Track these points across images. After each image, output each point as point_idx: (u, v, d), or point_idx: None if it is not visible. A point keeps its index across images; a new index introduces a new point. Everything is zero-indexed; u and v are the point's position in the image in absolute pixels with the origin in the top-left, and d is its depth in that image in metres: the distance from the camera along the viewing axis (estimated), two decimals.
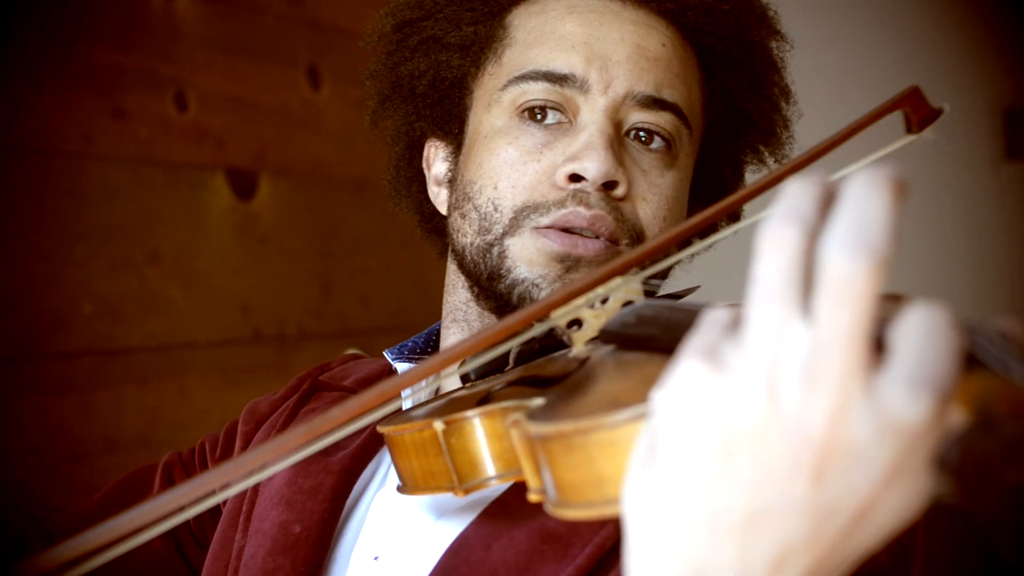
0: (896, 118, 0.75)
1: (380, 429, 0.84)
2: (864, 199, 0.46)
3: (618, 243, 0.93)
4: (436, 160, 1.08)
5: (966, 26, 2.55)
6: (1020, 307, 2.55)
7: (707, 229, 1.02)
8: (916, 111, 0.72)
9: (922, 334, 0.44)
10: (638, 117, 0.95)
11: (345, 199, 2.27)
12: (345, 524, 0.97)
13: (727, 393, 0.46)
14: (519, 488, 0.84)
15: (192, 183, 2.00)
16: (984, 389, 0.44)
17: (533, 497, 0.63)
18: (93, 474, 1.77)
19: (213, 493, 0.62)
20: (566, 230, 0.92)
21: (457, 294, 1.03)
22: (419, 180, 1.11)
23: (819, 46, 2.76)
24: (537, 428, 0.59)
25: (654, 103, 0.95)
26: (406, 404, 1.02)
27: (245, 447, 1.09)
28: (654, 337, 0.65)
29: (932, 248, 2.58)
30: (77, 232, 1.79)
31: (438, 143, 1.08)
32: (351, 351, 1.36)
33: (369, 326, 2.22)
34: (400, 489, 0.83)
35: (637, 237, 0.93)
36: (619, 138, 0.94)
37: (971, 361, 0.45)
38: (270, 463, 0.62)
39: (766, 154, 1.11)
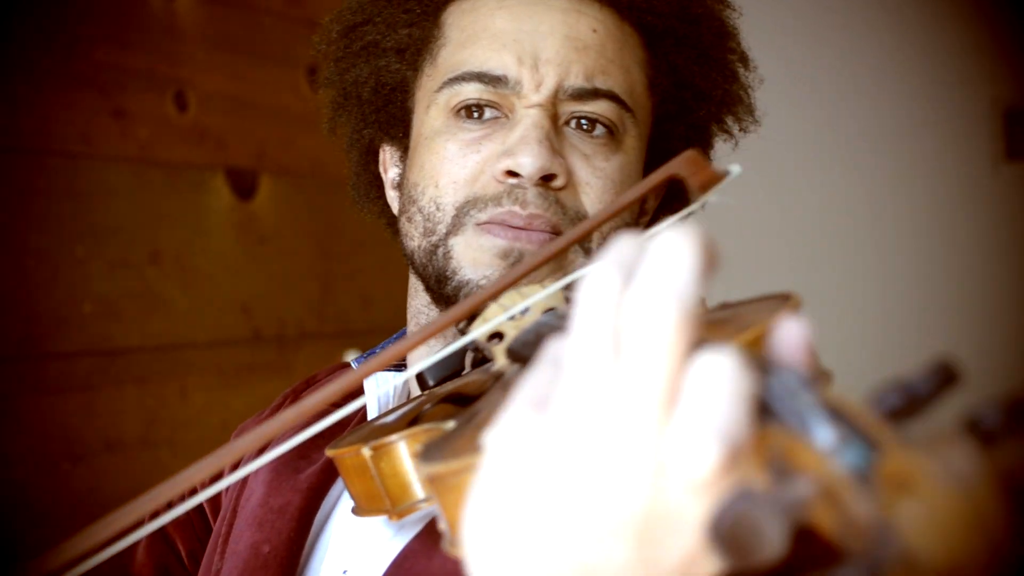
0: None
1: (327, 452, 0.83)
2: (667, 254, 0.43)
3: (561, 233, 0.92)
4: (390, 165, 1.08)
5: (966, 26, 2.55)
6: (1020, 307, 2.55)
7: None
8: (693, 175, 0.70)
9: (710, 382, 0.42)
10: (574, 108, 0.94)
11: (345, 199, 2.26)
12: (317, 540, 0.97)
13: (551, 445, 0.44)
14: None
15: (192, 183, 2.00)
16: (774, 443, 0.41)
17: (440, 526, 0.60)
18: (93, 474, 1.77)
19: (186, 497, 0.62)
20: (506, 225, 0.92)
21: (419, 297, 1.03)
22: (378, 185, 1.11)
23: (820, 46, 2.76)
24: (421, 468, 0.58)
25: (587, 93, 0.94)
26: (371, 412, 1.02)
27: (234, 468, 1.08)
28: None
29: (932, 248, 2.58)
30: (77, 232, 1.79)
31: (390, 148, 1.08)
32: (350, 353, 1.36)
33: (369, 326, 2.22)
34: (353, 510, 0.83)
35: None
36: (556, 129, 0.94)
37: (765, 411, 0.42)
38: (226, 468, 0.62)
39: (730, 124, 1.08)
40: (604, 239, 0.94)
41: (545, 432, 0.45)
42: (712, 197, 0.69)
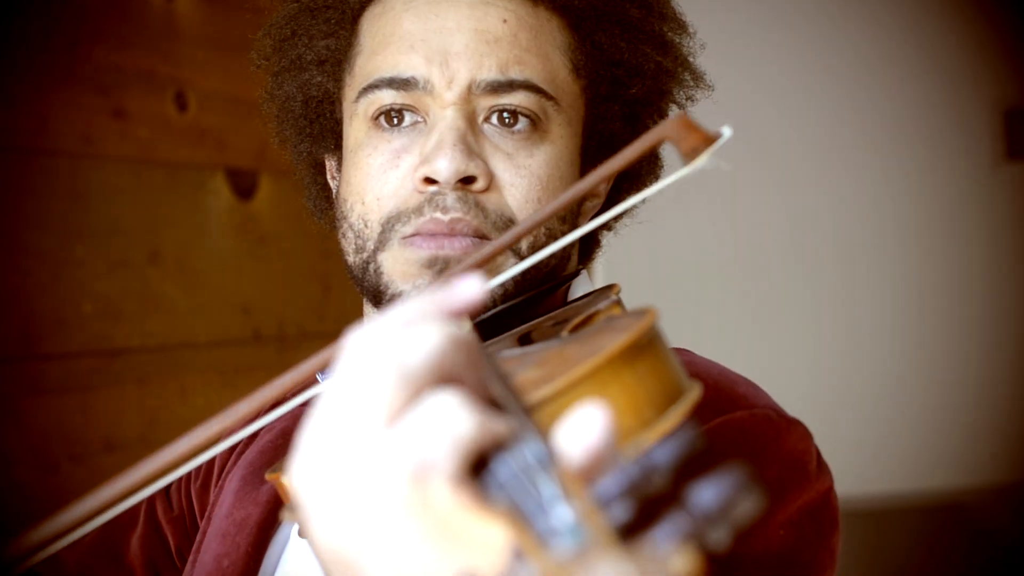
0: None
1: (268, 476, 0.84)
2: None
3: (487, 237, 0.91)
4: (333, 175, 1.07)
5: (966, 26, 2.55)
6: (1020, 306, 2.55)
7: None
8: (683, 139, 0.68)
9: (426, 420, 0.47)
10: (490, 102, 0.92)
11: None
12: (281, 554, 0.97)
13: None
14: None
15: (192, 183, 2.00)
16: (510, 527, 0.40)
17: None
18: (93, 474, 1.77)
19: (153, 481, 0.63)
20: (430, 234, 0.91)
21: (368, 306, 1.03)
22: (328, 195, 1.10)
23: (820, 46, 2.76)
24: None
25: (502, 85, 0.92)
26: None
27: (221, 471, 1.08)
28: None
29: (932, 247, 2.58)
30: (77, 232, 1.79)
31: (330, 159, 1.07)
32: None
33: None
34: (299, 532, 0.82)
35: (508, 226, 0.91)
36: (474, 129, 0.92)
37: (500, 491, 0.42)
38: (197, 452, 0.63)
39: (677, 94, 1.05)
40: (535, 241, 0.93)
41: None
42: (703, 161, 0.67)
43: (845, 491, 1.00)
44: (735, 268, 2.76)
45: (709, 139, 0.68)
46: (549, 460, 0.42)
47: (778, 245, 2.77)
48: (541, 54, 0.95)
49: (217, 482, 1.08)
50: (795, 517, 0.81)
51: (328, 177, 1.09)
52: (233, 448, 1.09)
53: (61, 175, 1.78)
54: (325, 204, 1.11)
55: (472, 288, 0.53)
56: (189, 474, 1.13)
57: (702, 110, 1.09)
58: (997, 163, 2.54)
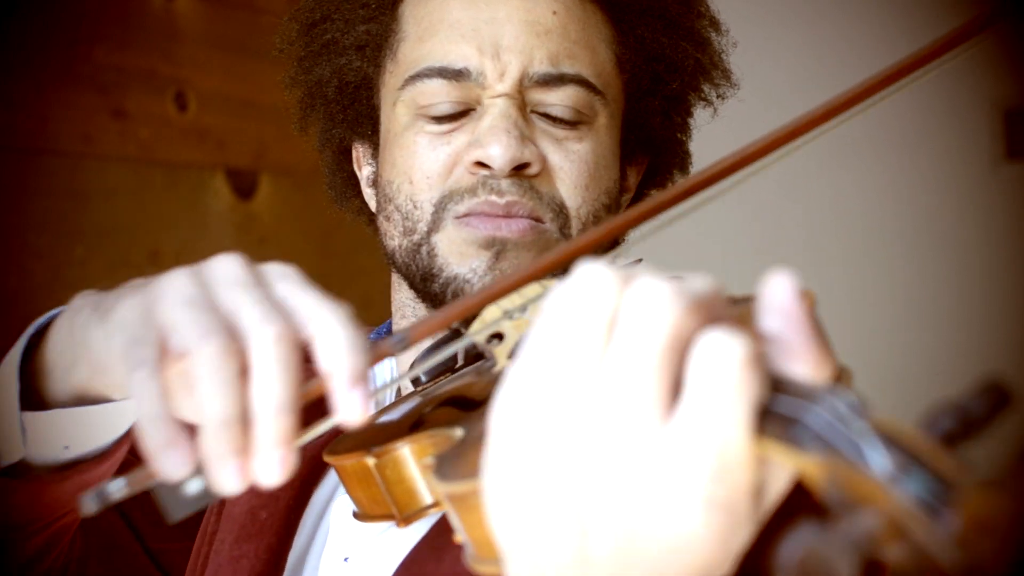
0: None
1: (325, 458, 0.83)
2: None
3: (541, 220, 0.91)
4: (363, 162, 1.06)
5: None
6: (1021, 306, 2.55)
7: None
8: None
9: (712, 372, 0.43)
10: (540, 97, 0.92)
11: None
12: (319, 522, 0.96)
13: (574, 461, 0.45)
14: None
15: (192, 183, 2.00)
16: (829, 474, 0.40)
17: (456, 539, 0.60)
18: None
19: None
20: (485, 215, 0.90)
21: (403, 291, 1.01)
22: (354, 184, 1.09)
23: (820, 45, 2.76)
24: (439, 486, 0.58)
25: (554, 79, 0.92)
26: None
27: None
28: None
29: (932, 248, 2.58)
30: (77, 232, 1.79)
31: (361, 145, 1.05)
32: None
33: (370, 326, 2.22)
34: (355, 515, 0.82)
35: (560, 210, 0.91)
36: (524, 116, 0.91)
37: (816, 440, 0.41)
38: None
39: (708, 91, 1.06)
40: (584, 228, 0.93)
41: (540, 382, 0.46)
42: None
43: None
44: (735, 268, 2.77)
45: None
46: (855, 405, 0.41)
47: (777, 245, 2.77)
48: (589, 47, 0.95)
49: None
50: None
51: (354, 165, 1.08)
52: None
53: (61, 175, 1.78)
54: (350, 192, 1.10)
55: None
56: None
57: (702, 112, 1.09)
58: (997, 163, 2.54)
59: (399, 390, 1.04)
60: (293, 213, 2.18)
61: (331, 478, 0.98)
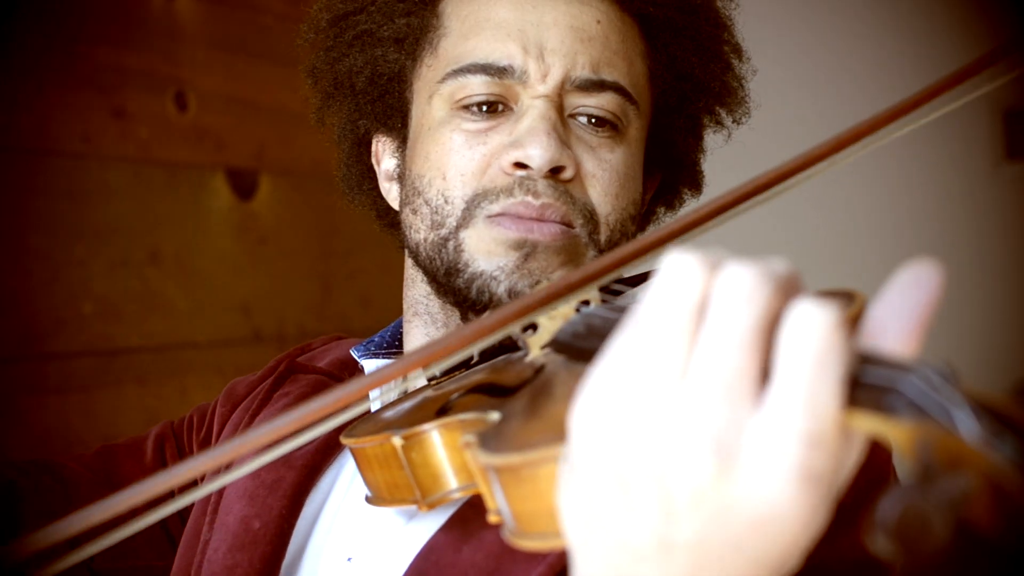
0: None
1: (343, 440, 0.82)
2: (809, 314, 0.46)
3: (572, 226, 0.92)
4: (384, 156, 1.06)
5: (966, 26, 2.55)
6: (1021, 307, 2.55)
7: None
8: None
9: (809, 364, 0.44)
10: (579, 101, 0.94)
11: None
12: (314, 522, 0.96)
13: (665, 444, 0.46)
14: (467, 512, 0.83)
15: (192, 183, 2.00)
16: (922, 439, 0.42)
17: (492, 519, 0.61)
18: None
19: (175, 493, 0.62)
20: (518, 216, 0.91)
21: (416, 288, 1.01)
22: (370, 176, 1.09)
23: (820, 45, 2.76)
24: (486, 458, 0.58)
25: (593, 85, 0.94)
26: (375, 405, 1.01)
27: (222, 428, 1.07)
28: (602, 351, 0.61)
29: (932, 248, 2.58)
30: (77, 232, 1.79)
31: (385, 138, 1.06)
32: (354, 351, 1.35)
33: (369, 326, 2.21)
34: (368, 500, 0.82)
35: (590, 216, 0.93)
36: (562, 120, 0.93)
37: (909, 407, 0.43)
38: (229, 464, 0.61)
39: (723, 115, 1.08)
40: (612, 235, 0.94)
41: (633, 368, 0.47)
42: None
43: None
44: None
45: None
46: (945, 373, 0.43)
47: (776, 245, 2.78)
48: (628, 58, 0.97)
49: (217, 438, 1.07)
50: None
51: (372, 159, 1.08)
52: (233, 408, 1.09)
53: (61, 175, 1.78)
54: (366, 185, 1.10)
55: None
56: (192, 423, 1.13)
57: (713, 135, 1.11)
58: (997, 163, 2.54)
59: (406, 388, 1.04)
60: (293, 213, 2.18)
61: (325, 481, 0.98)
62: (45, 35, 1.75)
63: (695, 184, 1.09)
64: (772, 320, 0.46)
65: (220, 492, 0.98)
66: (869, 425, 0.45)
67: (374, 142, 1.08)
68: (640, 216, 1.01)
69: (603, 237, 0.94)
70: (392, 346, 1.07)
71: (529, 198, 0.90)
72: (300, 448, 0.98)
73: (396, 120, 1.03)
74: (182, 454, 1.10)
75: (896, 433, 0.43)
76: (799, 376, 0.44)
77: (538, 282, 0.89)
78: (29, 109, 1.73)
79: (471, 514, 0.84)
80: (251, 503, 0.95)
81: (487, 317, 0.60)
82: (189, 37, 2.00)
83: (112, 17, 1.87)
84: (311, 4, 1.09)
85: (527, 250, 0.90)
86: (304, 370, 1.10)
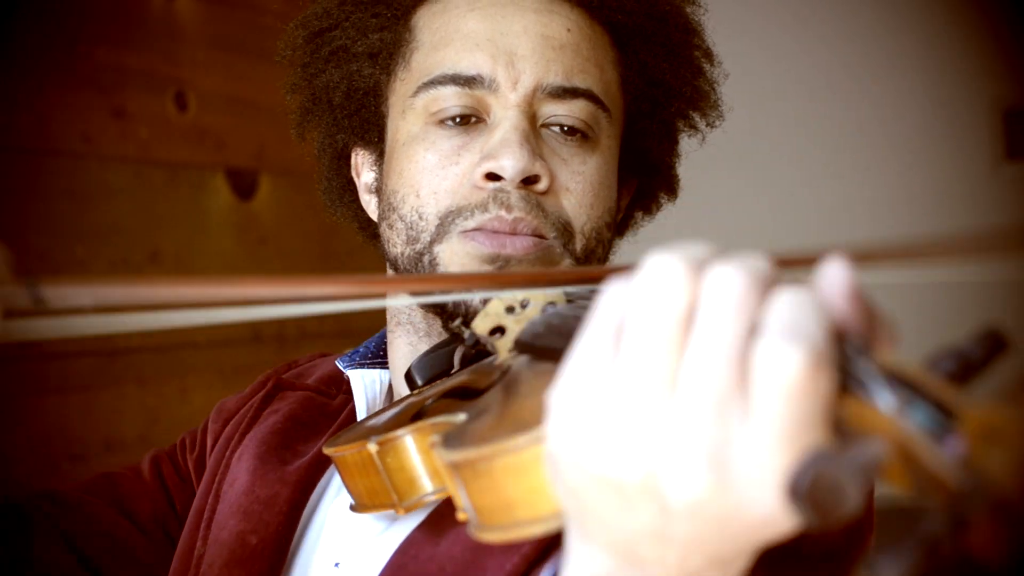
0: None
1: (325, 450, 0.84)
2: (793, 302, 0.46)
3: (545, 237, 0.92)
4: (364, 169, 1.07)
5: (966, 26, 2.55)
6: (1020, 307, 2.55)
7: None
8: None
9: (792, 306, 0.45)
10: (551, 109, 0.93)
11: None
12: (304, 532, 0.97)
13: (659, 459, 0.47)
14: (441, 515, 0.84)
15: (192, 183, 2.00)
16: (838, 407, 0.43)
17: (460, 516, 0.62)
18: (93, 474, 1.77)
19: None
20: (493, 231, 0.91)
21: (399, 298, 1.02)
22: (351, 189, 1.10)
23: (820, 46, 2.76)
24: (447, 455, 0.59)
25: (565, 92, 0.93)
26: (360, 410, 1.02)
27: (214, 444, 1.08)
28: (561, 349, 0.59)
29: None
30: (77, 232, 1.79)
31: (363, 151, 1.06)
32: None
33: (369, 326, 2.22)
34: (352, 508, 0.83)
35: (564, 228, 0.93)
36: (535, 131, 0.93)
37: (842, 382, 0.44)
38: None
39: (696, 119, 1.08)
40: (587, 244, 0.95)
41: (620, 378, 0.47)
42: None
43: None
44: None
45: None
46: (863, 346, 0.44)
47: (776, 246, 2.78)
48: (599, 65, 0.97)
49: (210, 455, 1.07)
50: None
51: (352, 172, 1.09)
52: (225, 424, 1.09)
53: (61, 175, 1.78)
54: (347, 197, 1.11)
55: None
56: (185, 444, 1.13)
57: (687, 139, 1.11)
58: (997, 163, 2.54)
59: (391, 395, 1.05)
60: (293, 213, 2.18)
61: (315, 495, 0.99)
62: (45, 35, 1.75)
63: (671, 189, 1.10)
64: (755, 325, 0.46)
65: (214, 507, 0.99)
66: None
67: (353, 155, 1.08)
68: (616, 223, 1.02)
69: (579, 247, 0.94)
70: (376, 356, 1.08)
71: (502, 212, 0.90)
72: (294, 462, 0.99)
73: (373, 134, 1.04)
74: (179, 473, 1.11)
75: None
76: (779, 398, 0.44)
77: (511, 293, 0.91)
78: (29, 109, 1.73)
79: (447, 511, 0.85)
80: (246, 519, 0.95)
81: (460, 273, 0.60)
82: (189, 37, 2.00)
83: (112, 17, 1.87)
84: (308, 6, 1.09)
85: (500, 264, 0.91)
86: (292, 387, 1.11)
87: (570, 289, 0.79)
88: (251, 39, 2.10)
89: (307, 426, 1.05)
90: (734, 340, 0.45)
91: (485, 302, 0.89)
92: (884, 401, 0.42)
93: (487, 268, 0.91)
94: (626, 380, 0.47)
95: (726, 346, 0.45)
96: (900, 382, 0.43)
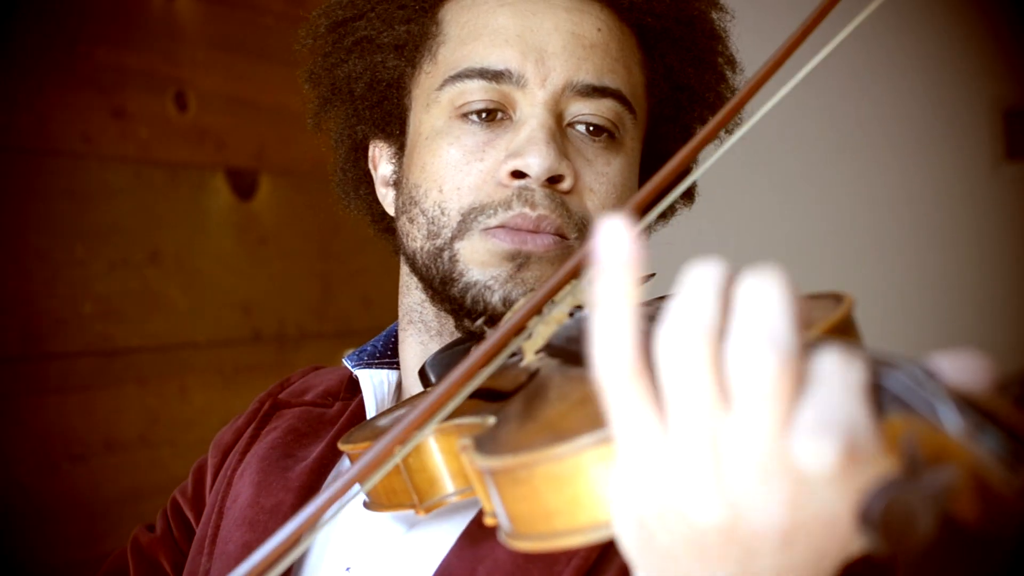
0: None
1: (341, 446, 0.83)
2: (760, 299, 0.46)
3: (566, 237, 0.92)
4: (381, 161, 1.06)
5: (966, 26, 2.55)
6: (1020, 307, 2.55)
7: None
8: None
9: (829, 379, 0.45)
10: (579, 108, 0.93)
11: None
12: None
13: (676, 493, 0.47)
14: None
15: (192, 183, 2.00)
16: (907, 433, 0.43)
17: (489, 521, 0.62)
18: (93, 474, 1.77)
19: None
20: (513, 228, 0.91)
21: (411, 295, 1.01)
22: (367, 181, 1.09)
23: (820, 45, 2.76)
24: (482, 461, 0.58)
25: (594, 91, 0.93)
26: (370, 410, 1.02)
27: (215, 478, 1.07)
28: None
29: (932, 248, 2.58)
30: (77, 232, 1.79)
31: (382, 144, 1.06)
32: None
33: (369, 326, 2.22)
34: (366, 505, 0.82)
35: (586, 228, 0.93)
36: (561, 130, 0.93)
37: (894, 402, 0.44)
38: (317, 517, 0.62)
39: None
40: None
41: (675, 489, 0.48)
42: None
43: None
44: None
45: None
46: (930, 370, 0.44)
47: (775, 245, 2.77)
48: (627, 66, 0.97)
49: (210, 490, 1.07)
50: None
51: (369, 164, 1.08)
52: (223, 456, 1.09)
53: (61, 175, 1.78)
54: (362, 190, 1.10)
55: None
56: (190, 482, 1.13)
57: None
58: (997, 163, 2.54)
59: (399, 395, 1.04)
60: (293, 213, 2.18)
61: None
62: (45, 35, 1.75)
63: (688, 194, 1.09)
64: (800, 359, 0.45)
65: (218, 524, 0.99)
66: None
67: (371, 147, 1.08)
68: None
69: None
70: (385, 355, 1.07)
71: (526, 209, 0.90)
72: (296, 468, 0.98)
73: (394, 127, 1.03)
74: (180, 515, 1.10)
75: (883, 428, 0.44)
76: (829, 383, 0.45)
77: (532, 291, 0.89)
78: (29, 109, 1.73)
79: (481, 534, 0.84)
80: (252, 529, 0.95)
81: (488, 341, 0.61)
82: (189, 37, 2.00)
83: (112, 17, 1.87)
84: (311, 5, 1.09)
85: (520, 261, 0.91)
86: (288, 405, 1.11)
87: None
88: (251, 39, 2.10)
89: (307, 435, 1.04)
90: (781, 372, 0.45)
91: (506, 302, 0.88)
92: (954, 425, 0.42)
93: (507, 265, 0.90)
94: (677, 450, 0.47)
95: (773, 382, 0.45)
96: (971, 406, 0.42)
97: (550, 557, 0.80)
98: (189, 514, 1.09)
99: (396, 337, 1.07)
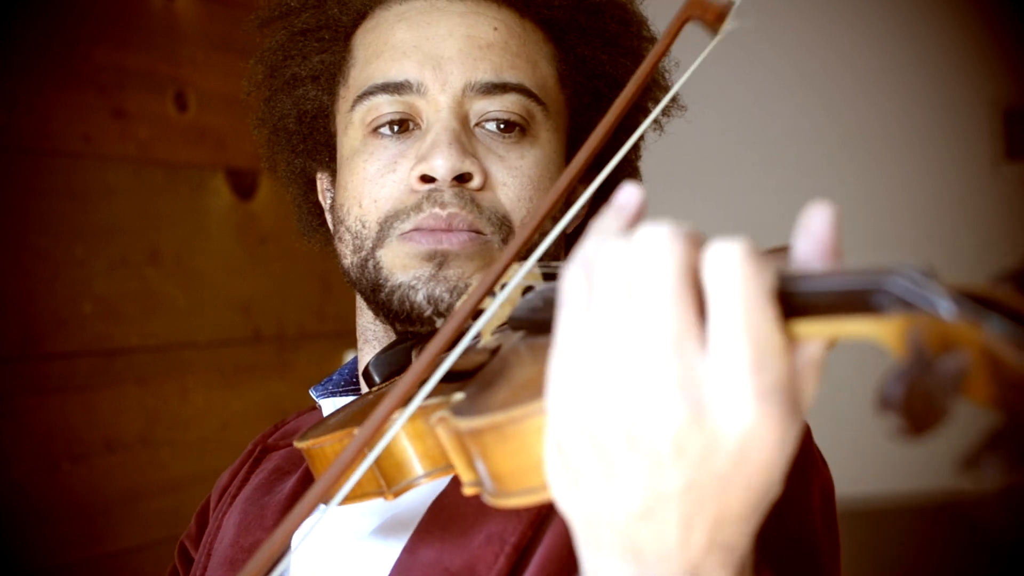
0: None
1: (297, 444, 0.84)
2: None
3: (482, 233, 0.94)
4: (325, 192, 1.10)
5: (966, 26, 2.55)
6: None
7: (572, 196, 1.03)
8: (704, 14, 0.75)
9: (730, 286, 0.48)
10: (483, 106, 0.95)
11: None
12: (288, 562, 0.97)
13: (635, 405, 0.49)
14: (438, 514, 0.86)
15: (192, 183, 2.00)
16: (912, 328, 0.45)
17: (468, 491, 0.63)
18: (93, 474, 1.77)
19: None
20: (428, 229, 0.93)
21: (364, 315, 1.04)
22: (319, 212, 1.13)
23: (820, 46, 2.76)
24: (467, 423, 0.60)
25: (495, 88, 0.95)
26: (326, 411, 1.03)
27: (220, 521, 1.08)
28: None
29: (932, 247, 2.58)
30: (77, 232, 1.79)
31: (323, 175, 1.09)
32: (348, 354, 1.36)
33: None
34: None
35: (502, 223, 0.94)
36: (468, 131, 0.95)
37: (896, 303, 0.46)
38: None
39: (649, 109, 1.08)
40: (532, 239, 0.96)
41: (591, 334, 0.51)
42: (729, 26, 0.73)
43: (844, 491, 1.00)
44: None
45: (725, 7, 0.73)
46: (924, 271, 0.46)
47: (774, 244, 2.78)
48: (531, 61, 0.99)
49: (216, 528, 1.08)
50: (817, 501, 0.85)
51: (319, 195, 1.11)
52: (220, 496, 1.10)
53: (61, 175, 1.78)
54: (316, 222, 1.14)
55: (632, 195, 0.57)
56: (194, 525, 1.14)
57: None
58: (997, 163, 2.54)
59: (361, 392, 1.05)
60: (293, 213, 2.18)
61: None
62: (45, 35, 1.75)
63: (631, 179, 1.10)
64: (693, 268, 0.49)
65: (205, 565, 1.01)
66: (817, 330, 0.49)
67: (317, 179, 1.11)
68: (562, 216, 1.02)
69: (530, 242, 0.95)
70: (349, 384, 1.09)
71: (436, 209, 0.92)
72: (270, 507, 1.00)
73: (324, 155, 1.07)
74: (185, 556, 1.12)
75: (885, 329, 0.46)
76: (728, 309, 0.48)
77: (455, 288, 0.93)
78: (29, 109, 1.73)
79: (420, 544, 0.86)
80: (232, 568, 0.97)
81: (439, 335, 0.64)
82: (189, 37, 2.00)
83: (112, 17, 1.87)
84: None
85: (439, 260, 0.93)
86: (276, 448, 1.13)
87: (546, 272, 0.81)
88: (251, 39, 2.10)
89: (288, 472, 1.06)
90: (671, 279, 0.49)
91: (430, 299, 0.91)
92: (954, 314, 0.44)
93: (427, 265, 0.93)
94: (592, 347, 0.50)
95: (664, 287, 0.49)
96: (970, 297, 0.44)
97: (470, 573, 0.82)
98: (195, 556, 1.10)
99: (358, 358, 1.09)
